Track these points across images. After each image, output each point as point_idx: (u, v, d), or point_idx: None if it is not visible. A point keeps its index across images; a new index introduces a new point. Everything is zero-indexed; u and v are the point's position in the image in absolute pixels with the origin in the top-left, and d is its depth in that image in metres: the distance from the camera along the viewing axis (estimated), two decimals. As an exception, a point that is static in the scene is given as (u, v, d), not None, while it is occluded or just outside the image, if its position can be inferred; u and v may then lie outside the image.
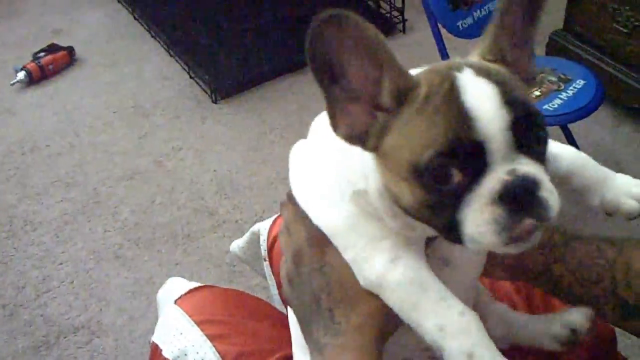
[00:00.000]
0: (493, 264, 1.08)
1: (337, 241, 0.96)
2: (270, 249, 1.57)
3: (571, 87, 2.58)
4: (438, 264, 0.98)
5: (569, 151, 1.06)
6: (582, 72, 2.69)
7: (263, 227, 1.62)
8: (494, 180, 0.78)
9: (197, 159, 3.33)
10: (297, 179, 1.05)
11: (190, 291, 1.45)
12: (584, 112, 2.49)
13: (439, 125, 0.79)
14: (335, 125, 0.86)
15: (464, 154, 0.78)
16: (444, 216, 0.82)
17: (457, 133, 0.78)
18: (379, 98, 0.84)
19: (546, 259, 1.04)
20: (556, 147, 1.04)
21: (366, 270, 0.93)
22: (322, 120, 1.01)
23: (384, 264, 0.91)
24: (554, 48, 3.46)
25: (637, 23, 3.00)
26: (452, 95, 0.80)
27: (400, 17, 4.11)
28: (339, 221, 0.96)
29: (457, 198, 0.80)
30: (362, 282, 0.94)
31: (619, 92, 3.20)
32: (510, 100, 0.80)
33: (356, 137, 0.86)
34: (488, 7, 2.76)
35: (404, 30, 4.11)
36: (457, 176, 0.79)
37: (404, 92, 0.83)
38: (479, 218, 0.79)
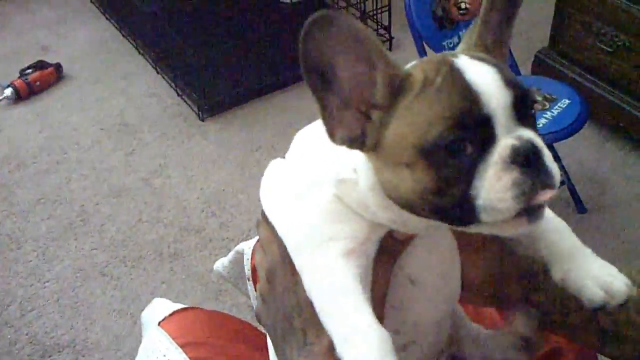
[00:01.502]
0: (471, 292, 1.08)
1: (291, 247, 0.97)
2: (254, 268, 1.57)
3: (556, 107, 2.60)
4: (404, 283, 0.99)
5: (550, 217, 1.00)
6: (567, 91, 2.71)
7: (247, 247, 1.62)
8: (504, 146, 0.80)
9: (184, 177, 3.33)
10: (265, 192, 1.06)
11: (175, 313, 1.45)
12: (568, 132, 2.51)
13: (444, 102, 0.81)
14: (331, 133, 0.86)
15: (474, 126, 0.80)
16: (455, 194, 0.82)
17: (467, 106, 0.80)
18: (373, 96, 0.85)
19: (525, 288, 1.03)
20: None
21: (304, 278, 0.93)
22: (304, 133, 1.03)
23: (317, 269, 0.91)
24: (540, 66, 3.49)
25: (620, 43, 3.03)
26: (453, 75, 0.83)
27: (387, 35, 4.13)
28: (300, 222, 0.96)
29: (469, 171, 0.81)
30: (306, 293, 0.93)
31: (603, 111, 3.23)
32: (507, 79, 0.83)
33: (354, 141, 0.86)
34: (473, 27, 2.77)
35: (390, 48, 4.12)
36: (468, 148, 0.81)
37: (398, 85, 0.84)
38: (496, 185, 0.80)
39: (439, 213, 0.84)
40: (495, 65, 0.85)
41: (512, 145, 0.80)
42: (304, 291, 0.94)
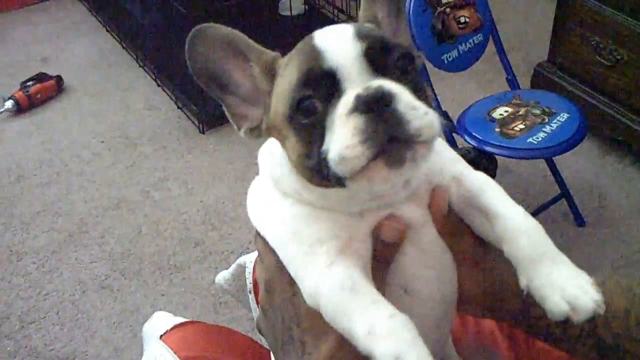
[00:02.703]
0: (469, 303, 1.07)
1: (282, 256, 0.97)
2: (255, 281, 1.57)
3: (555, 121, 2.60)
4: (397, 292, 0.98)
5: (512, 212, 0.94)
6: (566, 105, 2.71)
7: (249, 260, 1.62)
8: (349, 96, 0.81)
9: (184, 190, 3.33)
10: (251, 207, 1.06)
11: (176, 327, 1.45)
12: (567, 146, 2.51)
13: (295, 68, 0.87)
14: (239, 128, 0.96)
15: (318, 82, 0.83)
16: (316, 152, 0.83)
17: (308, 64, 0.85)
18: (258, 86, 0.93)
19: (524, 302, 1.03)
20: (501, 205, 0.95)
21: (304, 284, 0.92)
22: (264, 147, 1.05)
23: (317, 273, 0.90)
24: (539, 79, 3.50)
25: (619, 57, 3.04)
26: (305, 43, 0.88)
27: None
28: (281, 231, 0.97)
29: (322, 128, 0.83)
30: (307, 301, 0.92)
31: (602, 125, 3.24)
32: (362, 35, 0.85)
33: (255, 130, 0.95)
34: (473, 41, 2.79)
35: (390, 61, 4.13)
36: (318, 105, 0.83)
37: (271, 68, 0.92)
38: (341, 134, 0.80)
39: (317, 177, 0.86)
40: (354, 25, 0.88)
41: (356, 94, 0.80)
42: (303, 301, 0.93)
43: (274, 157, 0.98)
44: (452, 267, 1.02)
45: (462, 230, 0.99)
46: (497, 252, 0.96)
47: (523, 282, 0.90)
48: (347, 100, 0.81)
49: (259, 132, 0.95)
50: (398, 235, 0.94)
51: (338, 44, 0.84)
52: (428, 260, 0.99)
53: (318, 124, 0.83)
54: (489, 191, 0.96)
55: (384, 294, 0.94)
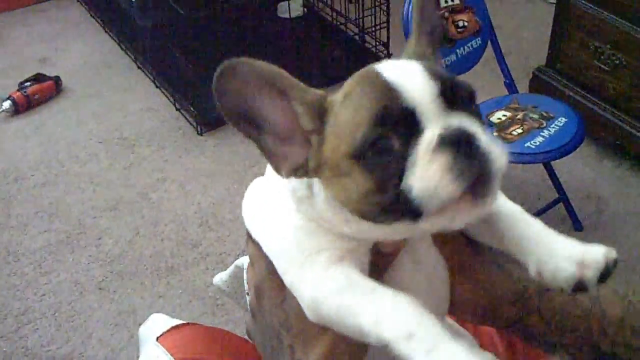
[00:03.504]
0: (465, 311, 1.07)
1: (278, 264, 0.96)
2: (252, 284, 1.56)
3: (553, 125, 2.60)
4: (409, 266, 0.98)
5: (513, 209, 0.97)
6: (564, 109, 2.71)
7: (247, 261, 1.62)
8: (430, 135, 0.80)
9: (181, 191, 3.33)
10: (247, 210, 1.06)
11: (173, 329, 1.44)
12: (565, 150, 2.52)
13: (365, 104, 0.82)
14: (277, 169, 0.89)
15: (396, 120, 0.80)
16: (393, 190, 0.81)
17: (386, 102, 0.81)
18: (301, 126, 0.87)
19: (520, 310, 1.03)
20: (500, 204, 0.97)
21: (302, 292, 0.91)
22: None
23: (315, 279, 0.90)
24: (537, 84, 3.50)
25: (618, 61, 3.04)
26: (373, 78, 0.84)
27: (385, 52, 4.14)
28: (281, 239, 0.96)
29: (399, 166, 0.81)
30: (305, 310, 0.91)
31: (601, 129, 3.24)
32: (435, 74, 0.83)
33: (299, 170, 0.88)
34: (471, 45, 2.79)
35: (389, 64, 4.13)
36: (395, 144, 0.81)
37: (319, 106, 0.86)
38: (429, 171, 0.79)
39: (386, 213, 0.84)
40: (420, 62, 0.85)
41: (438, 133, 0.80)
42: (292, 307, 0.93)
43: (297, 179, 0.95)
44: (445, 277, 1.02)
45: (457, 240, 0.99)
46: (492, 262, 0.96)
47: (533, 270, 0.91)
48: (429, 139, 0.80)
49: (305, 172, 0.89)
50: (395, 245, 0.94)
51: (414, 81, 0.82)
52: (423, 271, 0.99)
53: (396, 162, 0.81)
54: None
55: None
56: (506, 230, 0.93)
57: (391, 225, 0.85)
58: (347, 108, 0.84)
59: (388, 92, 0.81)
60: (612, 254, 0.87)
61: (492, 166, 0.80)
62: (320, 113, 0.86)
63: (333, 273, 0.89)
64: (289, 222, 0.95)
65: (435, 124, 0.80)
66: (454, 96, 0.83)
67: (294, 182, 0.94)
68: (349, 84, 0.87)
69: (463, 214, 0.82)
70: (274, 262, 0.96)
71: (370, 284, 0.87)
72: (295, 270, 0.93)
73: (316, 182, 0.91)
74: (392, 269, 0.97)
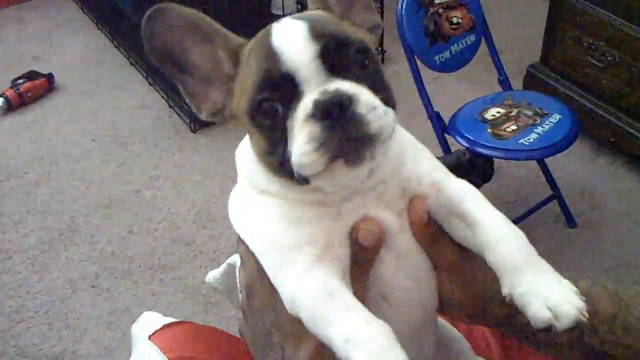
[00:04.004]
0: (454, 310, 1.07)
1: (261, 262, 0.96)
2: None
3: (547, 122, 2.60)
4: (376, 299, 0.98)
5: (494, 219, 0.94)
6: (558, 106, 2.71)
7: (239, 259, 1.61)
8: (306, 101, 0.82)
9: (174, 189, 3.32)
10: (232, 212, 1.06)
11: (165, 327, 1.44)
12: (559, 147, 2.51)
13: (255, 67, 0.87)
14: (198, 109, 0.95)
15: (277, 85, 0.84)
16: (279, 152, 0.85)
17: (266, 67, 0.85)
18: (222, 70, 0.93)
19: (510, 310, 1.02)
20: (482, 212, 0.94)
21: (282, 293, 0.92)
22: (239, 150, 1.04)
23: (295, 280, 0.90)
24: (531, 81, 3.50)
25: (611, 58, 3.04)
26: (263, 39, 0.88)
27: (379, 49, 4.14)
28: (260, 236, 0.96)
29: (282, 129, 0.84)
30: (287, 308, 0.91)
31: (594, 126, 3.24)
32: (316, 32, 0.85)
33: (218, 114, 0.95)
34: (465, 42, 2.79)
35: (383, 61, 4.14)
36: (279, 107, 0.85)
37: (236, 55, 0.92)
38: (299, 140, 0.82)
39: (281, 173, 0.88)
40: (310, 21, 0.87)
41: (313, 100, 0.82)
42: (283, 306, 0.93)
43: (248, 154, 0.98)
44: (431, 275, 1.02)
45: (442, 239, 0.98)
46: (479, 260, 0.95)
47: (505, 290, 0.89)
48: (305, 105, 0.82)
49: (222, 117, 0.95)
50: (375, 237, 0.93)
51: (294, 45, 0.85)
52: (406, 268, 0.99)
53: (279, 126, 0.85)
54: (469, 199, 0.95)
55: (365, 299, 0.94)
56: (485, 244, 0.92)
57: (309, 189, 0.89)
58: (247, 65, 0.89)
59: (271, 56, 0.85)
60: (584, 313, 0.84)
61: (367, 131, 0.81)
62: (236, 60, 0.92)
63: (311, 279, 0.89)
64: (263, 215, 0.96)
65: (314, 88, 0.83)
66: (339, 56, 0.85)
67: (244, 164, 0.99)
68: (256, 37, 0.91)
69: (340, 176, 0.84)
70: (259, 260, 0.97)
71: (347, 298, 0.87)
72: (276, 270, 0.93)
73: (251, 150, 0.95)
74: (375, 267, 0.96)
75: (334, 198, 0.93)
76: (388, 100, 0.86)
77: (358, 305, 0.86)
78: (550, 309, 0.84)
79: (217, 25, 0.92)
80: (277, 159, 0.86)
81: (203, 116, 0.95)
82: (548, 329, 0.85)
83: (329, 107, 0.80)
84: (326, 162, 0.81)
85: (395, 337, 0.82)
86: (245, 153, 0.99)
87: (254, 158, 0.94)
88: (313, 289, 0.87)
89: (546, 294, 0.85)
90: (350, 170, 0.83)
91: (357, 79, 0.85)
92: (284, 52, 0.84)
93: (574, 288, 0.87)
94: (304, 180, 0.85)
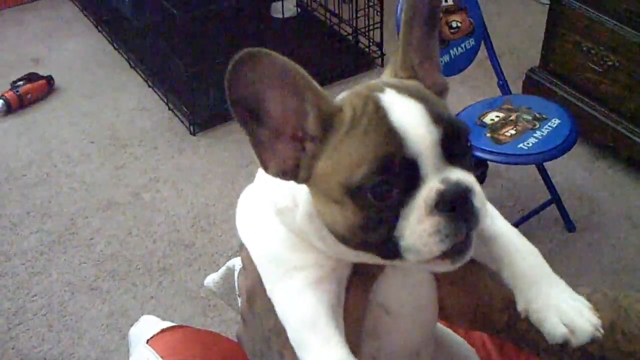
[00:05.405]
0: (455, 318, 1.07)
1: (261, 272, 0.97)
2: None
3: (546, 126, 2.60)
4: (379, 313, 0.98)
5: (509, 235, 0.97)
6: (557, 111, 2.71)
7: (238, 263, 1.61)
8: (429, 190, 0.80)
9: (174, 191, 3.32)
10: (240, 217, 1.06)
11: (163, 331, 1.44)
12: (558, 152, 2.51)
13: (369, 145, 0.81)
14: (265, 166, 0.87)
15: (398, 170, 0.80)
16: (381, 233, 0.82)
17: (390, 150, 0.80)
18: (304, 128, 0.86)
19: (511, 317, 1.02)
20: (498, 227, 0.97)
21: (275, 302, 0.93)
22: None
23: (287, 296, 0.91)
24: (530, 85, 3.50)
25: (610, 63, 3.05)
26: (378, 115, 0.82)
27: (379, 52, 4.14)
28: (265, 249, 0.96)
29: (394, 213, 0.81)
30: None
31: (593, 130, 3.24)
32: (436, 116, 0.82)
33: (288, 173, 0.87)
34: (465, 45, 2.79)
35: (382, 65, 4.13)
36: (394, 191, 0.81)
37: (329, 118, 0.85)
38: (419, 229, 0.80)
39: (368, 248, 0.85)
40: (422, 100, 0.84)
41: (436, 189, 0.80)
42: None
43: (282, 188, 0.94)
44: (433, 289, 1.03)
45: None
46: (481, 270, 0.96)
47: (521, 305, 0.91)
48: (427, 194, 0.80)
49: (293, 177, 0.87)
50: None
51: (419, 129, 0.81)
52: (410, 283, 1.00)
53: (391, 211, 0.82)
54: None
55: (364, 312, 0.95)
56: (501, 259, 0.94)
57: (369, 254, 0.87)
58: (352, 139, 0.83)
59: (392, 139, 0.80)
60: (600, 328, 0.87)
61: (478, 224, 0.82)
62: (327, 125, 0.85)
63: (302, 301, 0.90)
64: (274, 234, 0.95)
65: (435, 176, 0.81)
66: (455, 143, 0.83)
67: (278, 191, 0.94)
68: (355, 106, 0.85)
69: (439, 267, 0.84)
70: (258, 269, 0.97)
71: (328, 331, 0.88)
72: (272, 283, 0.94)
73: (301, 193, 0.91)
74: (379, 281, 0.97)
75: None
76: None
77: (338, 341, 0.87)
78: (566, 325, 0.87)
79: (310, 79, 0.84)
80: (372, 237, 0.83)
81: (270, 173, 0.87)
82: (564, 344, 0.88)
83: (453, 200, 0.80)
84: (441, 252, 0.81)
85: None
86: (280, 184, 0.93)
87: (307, 211, 0.90)
88: (299, 314, 0.89)
89: (561, 309, 0.88)
90: (453, 264, 0.84)
91: (465, 167, 0.84)
92: (408, 135, 0.80)
93: (588, 303, 0.89)
94: (397, 257, 0.84)
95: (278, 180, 0.89)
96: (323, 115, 0.85)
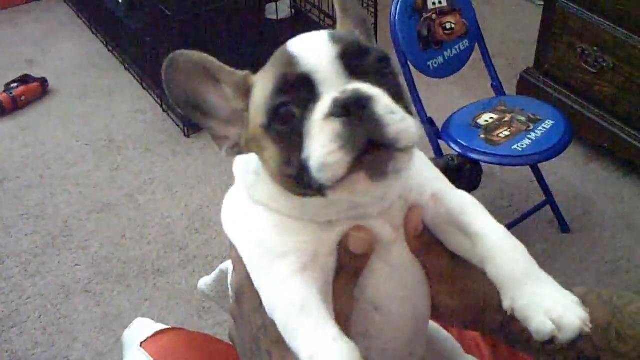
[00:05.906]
0: (448, 318, 1.07)
1: (247, 265, 0.96)
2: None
3: (540, 128, 2.60)
4: (367, 309, 0.97)
5: (494, 232, 0.92)
6: (551, 112, 2.72)
7: (231, 266, 1.61)
8: (325, 101, 0.81)
9: (168, 193, 3.32)
10: (224, 214, 1.06)
11: (157, 334, 1.43)
12: (552, 153, 2.52)
13: (271, 76, 0.86)
14: (221, 149, 0.95)
15: (294, 87, 0.82)
16: (297, 160, 0.82)
17: (283, 70, 0.84)
18: (233, 106, 0.92)
19: (504, 318, 0.99)
20: (483, 224, 0.93)
21: (263, 297, 0.92)
22: (237, 160, 1.04)
23: (273, 287, 0.90)
24: (525, 86, 3.51)
25: (605, 64, 3.05)
26: (282, 51, 0.87)
27: (373, 53, 4.14)
28: (248, 242, 0.96)
29: (299, 133, 0.82)
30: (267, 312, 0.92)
31: (588, 131, 3.25)
32: (337, 38, 0.85)
33: (235, 147, 0.94)
34: (459, 47, 2.79)
35: (377, 66, 4.13)
36: (295, 111, 0.82)
37: (243, 86, 0.91)
38: (320, 140, 0.79)
39: (298, 185, 0.85)
40: (328, 31, 0.87)
41: (332, 98, 0.80)
42: None
43: (248, 164, 0.97)
44: (425, 285, 1.01)
45: (436, 248, 0.98)
46: (473, 270, 0.95)
47: (507, 302, 0.88)
48: (323, 105, 0.80)
49: (238, 149, 0.94)
50: (365, 245, 0.93)
51: (312, 48, 0.84)
52: (399, 279, 0.98)
53: (296, 131, 0.82)
54: (470, 210, 0.94)
55: (351, 309, 0.94)
56: (486, 256, 0.91)
57: (311, 200, 0.87)
58: (260, 84, 0.88)
59: (287, 60, 0.84)
60: (588, 323, 0.84)
61: (386, 134, 0.79)
62: (246, 92, 0.90)
63: (290, 287, 0.88)
64: (254, 220, 0.96)
65: (333, 89, 0.81)
66: (359, 60, 0.84)
67: (242, 173, 0.98)
68: (269, 60, 0.90)
69: (361, 190, 0.82)
70: (245, 264, 0.97)
71: (319, 313, 0.86)
72: (258, 274, 0.94)
73: (256, 161, 0.94)
74: (368, 277, 0.96)
75: (340, 220, 0.92)
76: (406, 111, 0.83)
77: (329, 322, 0.85)
78: (552, 321, 0.84)
79: (221, 64, 0.92)
80: (294, 169, 0.83)
81: (223, 154, 0.94)
82: (551, 341, 0.85)
83: (348, 105, 0.79)
84: (349, 164, 0.78)
85: (360, 356, 0.82)
86: (245, 162, 0.98)
87: (261, 173, 0.93)
88: (288, 299, 0.87)
89: (548, 305, 0.85)
90: (372, 184, 0.80)
91: (376, 85, 0.82)
92: (301, 54, 0.83)
93: (576, 298, 0.86)
94: (319, 192, 0.82)
95: (245, 165, 0.97)
96: (238, 86, 0.91)
